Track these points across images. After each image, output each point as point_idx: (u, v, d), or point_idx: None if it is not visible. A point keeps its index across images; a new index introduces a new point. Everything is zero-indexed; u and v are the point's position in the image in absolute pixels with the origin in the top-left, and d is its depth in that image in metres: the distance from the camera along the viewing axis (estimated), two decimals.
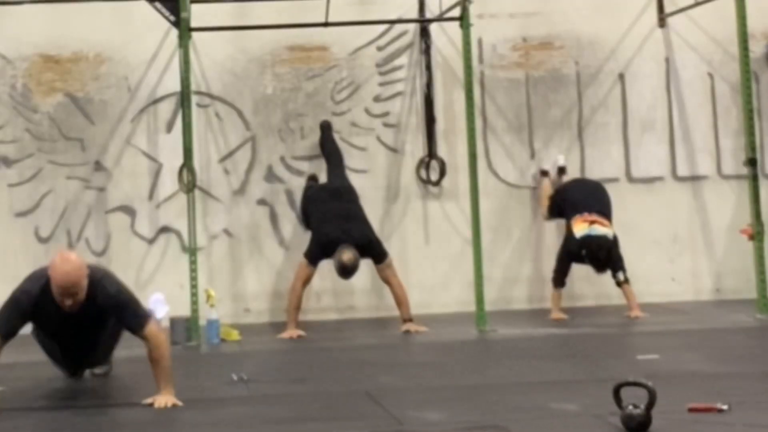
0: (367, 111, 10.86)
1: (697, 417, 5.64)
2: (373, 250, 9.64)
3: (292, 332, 9.45)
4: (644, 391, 5.43)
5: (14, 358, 7.00)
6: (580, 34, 11.05)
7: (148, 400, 6.48)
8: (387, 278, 9.66)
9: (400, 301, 9.59)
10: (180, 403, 6.44)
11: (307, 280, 9.63)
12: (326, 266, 9.91)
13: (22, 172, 10.55)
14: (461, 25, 9.64)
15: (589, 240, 9.80)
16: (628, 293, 9.88)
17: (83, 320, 6.68)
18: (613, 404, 5.53)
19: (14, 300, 6.60)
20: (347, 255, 9.36)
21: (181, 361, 7.60)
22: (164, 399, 6.45)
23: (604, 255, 9.75)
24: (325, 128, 10.67)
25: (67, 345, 7.07)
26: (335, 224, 9.61)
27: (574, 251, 9.89)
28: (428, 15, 10.70)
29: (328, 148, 10.60)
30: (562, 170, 10.79)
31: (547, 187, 10.66)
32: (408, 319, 9.55)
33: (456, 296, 10.47)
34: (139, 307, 6.78)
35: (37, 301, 6.56)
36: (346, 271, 9.42)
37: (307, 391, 6.91)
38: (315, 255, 9.63)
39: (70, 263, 6.49)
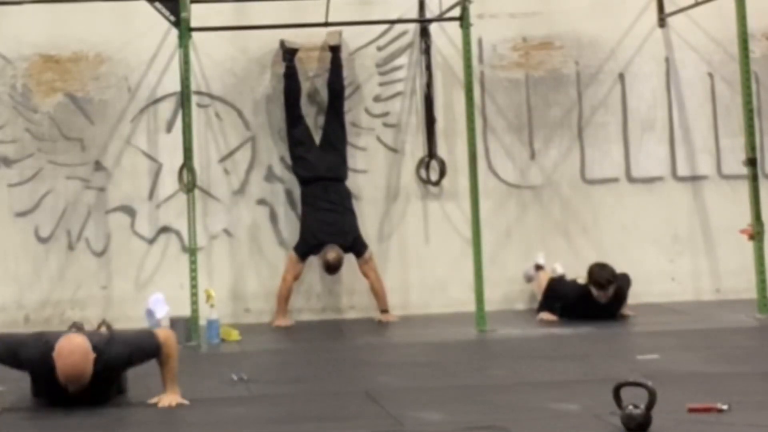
0: (367, 111, 10.85)
1: (697, 417, 5.65)
2: (356, 245, 10.19)
3: (283, 321, 10.07)
4: (644, 391, 5.44)
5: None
6: (580, 34, 11.04)
7: (154, 399, 6.48)
8: (366, 272, 10.23)
9: (377, 294, 10.21)
10: (186, 402, 6.45)
11: (296, 275, 10.21)
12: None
13: (22, 172, 10.55)
14: (461, 25, 9.63)
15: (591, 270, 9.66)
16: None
17: (90, 389, 6.48)
18: (613, 404, 5.53)
19: (15, 350, 6.48)
20: (332, 254, 9.95)
21: (181, 361, 7.56)
22: (169, 398, 6.46)
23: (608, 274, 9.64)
24: (336, 49, 10.65)
25: (70, 403, 6.82)
26: (324, 224, 10.13)
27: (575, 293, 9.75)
28: (428, 15, 10.70)
29: (333, 81, 10.61)
30: (539, 267, 10.52)
31: (543, 280, 10.28)
32: (384, 311, 10.11)
33: (456, 296, 10.46)
34: (143, 340, 6.66)
35: (44, 373, 6.42)
36: (331, 268, 10.01)
37: (307, 391, 6.92)
38: (303, 251, 10.19)
39: (76, 353, 6.27)
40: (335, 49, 10.64)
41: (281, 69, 10.67)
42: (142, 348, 6.58)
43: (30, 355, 6.48)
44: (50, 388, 6.52)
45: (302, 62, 10.74)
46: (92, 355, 6.35)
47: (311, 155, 10.41)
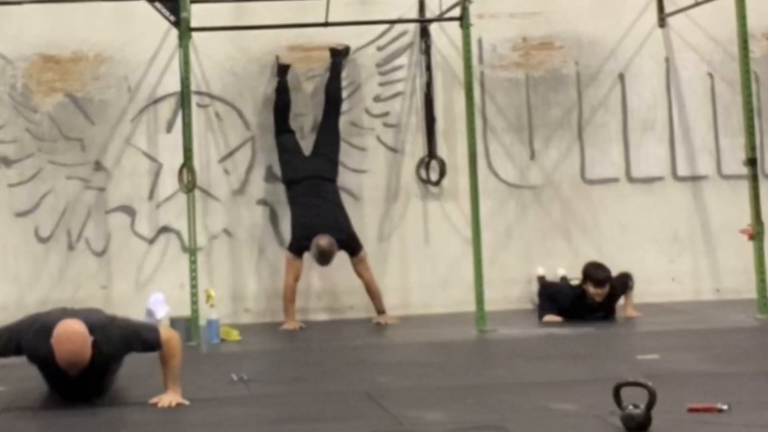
0: (367, 111, 10.85)
1: (697, 417, 5.64)
2: (350, 243, 10.05)
3: (292, 324, 9.91)
4: (644, 391, 5.44)
5: (14, 358, 6.98)
6: (580, 34, 11.05)
7: (154, 399, 6.47)
8: (360, 272, 10.11)
9: (373, 295, 10.12)
10: (186, 402, 6.44)
11: (297, 274, 10.07)
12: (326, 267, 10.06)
13: (22, 172, 10.55)
14: (461, 25, 9.64)
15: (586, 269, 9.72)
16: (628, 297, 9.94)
17: (88, 373, 6.46)
18: (613, 404, 5.53)
19: (16, 339, 6.48)
20: (323, 240, 9.79)
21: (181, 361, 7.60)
22: (169, 398, 6.43)
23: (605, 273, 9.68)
24: (337, 54, 10.64)
25: (69, 389, 6.79)
26: (315, 218, 9.98)
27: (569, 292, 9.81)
28: (428, 15, 10.70)
29: (330, 87, 10.61)
30: (541, 278, 10.49)
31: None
32: (381, 312, 10.07)
33: (456, 296, 10.46)
34: (144, 329, 6.67)
35: (42, 358, 6.43)
36: (324, 255, 9.82)
37: (307, 391, 6.91)
38: (297, 249, 10.07)
39: (74, 340, 6.25)
40: (336, 54, 10.63)
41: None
42: (141, 337, 6.54)
43: (29, 342, 6.46)
44: (52, 373, 6.54)
45: (302, 62, 10.74)
46: (90, 339, 6.32)
47: (298, 159, 10.39)
